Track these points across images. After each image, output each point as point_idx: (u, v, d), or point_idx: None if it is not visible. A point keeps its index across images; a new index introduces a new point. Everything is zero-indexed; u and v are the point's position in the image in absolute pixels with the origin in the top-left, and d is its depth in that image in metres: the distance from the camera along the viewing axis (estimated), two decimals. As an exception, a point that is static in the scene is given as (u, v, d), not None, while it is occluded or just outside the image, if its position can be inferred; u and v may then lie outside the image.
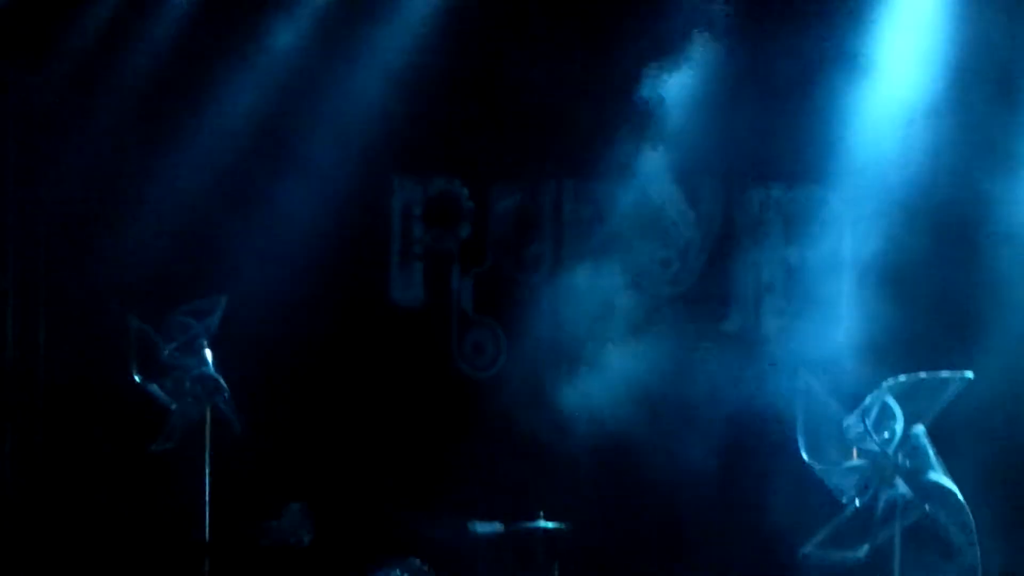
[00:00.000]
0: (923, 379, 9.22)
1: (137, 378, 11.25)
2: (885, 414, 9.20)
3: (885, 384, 9.22)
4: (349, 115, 11.99)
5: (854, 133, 10.84)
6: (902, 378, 9.22)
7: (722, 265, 11.48)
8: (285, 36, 11.99)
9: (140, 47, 12.17)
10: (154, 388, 11.26)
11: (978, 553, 8.93)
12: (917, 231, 10.75)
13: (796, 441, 9.40)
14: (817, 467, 9.35)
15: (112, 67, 12.21)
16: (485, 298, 12.02)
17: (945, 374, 9.19)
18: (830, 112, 10.90)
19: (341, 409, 12.00)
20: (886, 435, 9.18)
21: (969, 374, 9.17)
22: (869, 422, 9.18)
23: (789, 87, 11.03)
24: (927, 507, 9.11)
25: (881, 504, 9.18)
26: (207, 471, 11.20)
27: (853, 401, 9.35)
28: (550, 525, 10.06)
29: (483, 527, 10.23)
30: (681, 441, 11.24)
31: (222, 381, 11.16)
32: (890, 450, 9.14)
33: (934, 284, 10.72)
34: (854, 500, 9.27)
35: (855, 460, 9.28)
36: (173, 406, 11.23)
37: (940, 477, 9.07)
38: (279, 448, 11.95)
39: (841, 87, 10.88)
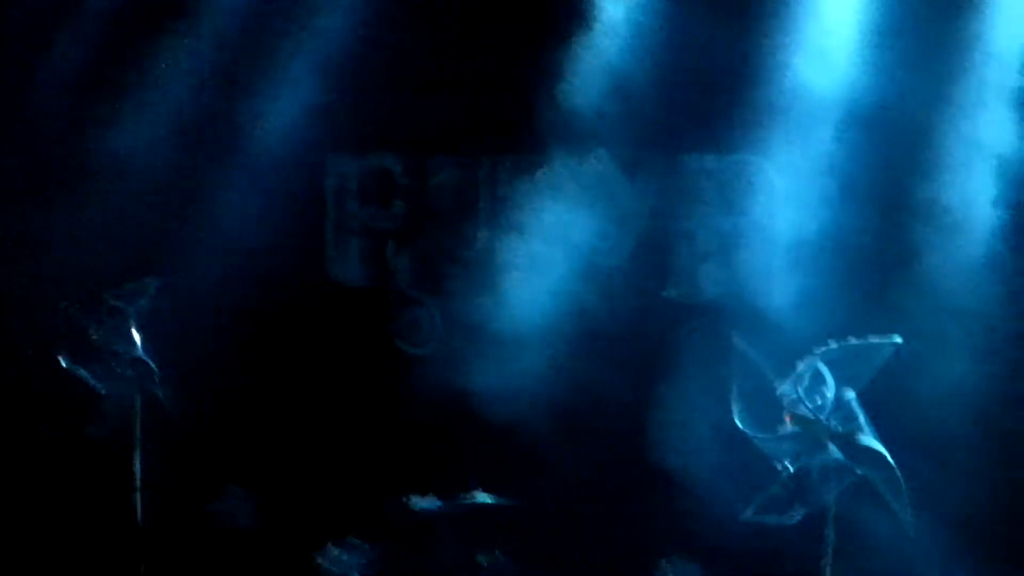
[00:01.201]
0: (854, 345, 9.31)
1: (64, 363, 11.22)
2: (817, 380, 9.28)
3: (817, 351, 9.29)
4: (283, 94, 11.93)
5: (789, 101, 10.83)
6: (833, 345, 9.30)
7: (658, 235, 11.46)
8: (218, 18, 11.92)
9: (71, 36, 12.10)
10: (84, 373, 11.23)
11: (911, 513, 9.02)
12: (852, 198, 10.77)
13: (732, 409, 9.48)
14: (751, 434, 9.42)
15: (42, 56, 12.13)
16: (421, 274, 11.99)
17: (875, 339, 9.27)
18: (765, 80, 10.89)
19: (279, 388, 11.96)
20: (818, 401, 9.27)
21: (898, 339, 9.24)
22: (802, 389, 9.25)
23: (722, 55, 11.02)
24: (859, 471, 9.21)
25: (815, 469, 9.27)
26: (138, 455, 11.17)
27: (788, 368, 9.40)
28: (488, 499, 10.05)
29: (421, 502, 10.23)
30: (623, 411, 11.26)
31: (153, 364, 11.13)
32: (823, 416, 9.22)
33: (869, 250, 10.75)
34: (789, 466, 9.35)
35: (789, 427, 9.35)
36: (103, 391, 11.21)
37: (872, 441, 9.18)
38: (217, 430, 11.92)
39: (778, 53, 10.87)
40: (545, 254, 11.58)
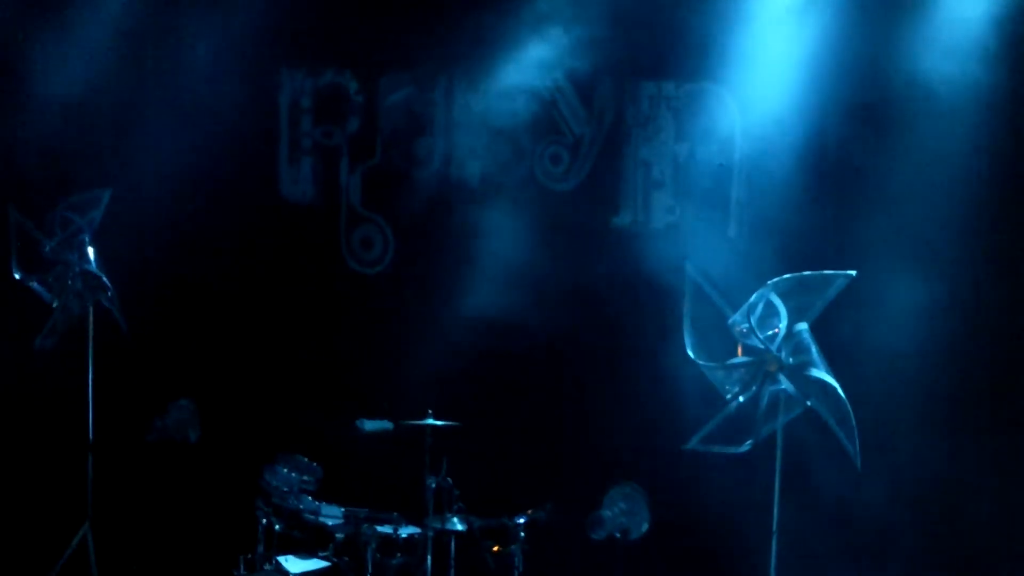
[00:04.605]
0: (807, 277, 9.31)
1: (18, 274, 11.16)
2: (770, 311, 9.28)
3: (770, 282, 9.31)
4: (236, 8, 11.80)
5: (747, 28, 10.82)
6: (786, 276, 9.31)
7: (612, 161, 11.46)
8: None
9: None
10: (35, 284, 11.16)
11: (858, 447, 9.07)
12: (806, 127, 10.78)
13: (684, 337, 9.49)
14: (702, 364, 9.44)
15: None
16: (374, 193, 11.95)
17: (828, 272, 9.29)
18: (723, 6, 10.87)
19: (229, 305, 11.92)
20: (770, 332, 9.28)
21: (852, 272, 9.27)
22: (754, 319, 9.26)
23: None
24: (809, 403, 9.25)
25: (764, 400, 9.30)
26: (91, 368, 11.14)
27: (739, 298, 9.43)
28: (439, 422, 10.05)
29: (371, 424, 10.21)
30: (573, 336, 11.30)
31: (105, 278, 11.08)
32: (774, 347, 9.24)
33: (822, 182, 10.79)
34: (738, 396, 9.38)
35: (740, 357, 9.37)
36: (55, 303, 11.15)
37: (822, 373, 9.19)
38: (166, 345, 11.87)
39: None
40: (497, 176, 11.57)
